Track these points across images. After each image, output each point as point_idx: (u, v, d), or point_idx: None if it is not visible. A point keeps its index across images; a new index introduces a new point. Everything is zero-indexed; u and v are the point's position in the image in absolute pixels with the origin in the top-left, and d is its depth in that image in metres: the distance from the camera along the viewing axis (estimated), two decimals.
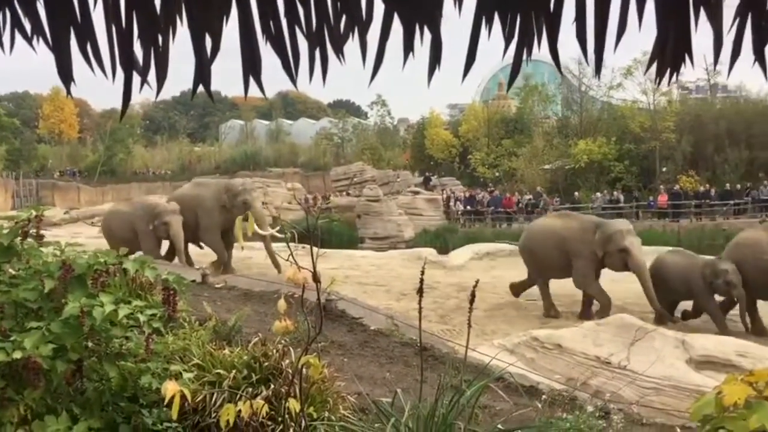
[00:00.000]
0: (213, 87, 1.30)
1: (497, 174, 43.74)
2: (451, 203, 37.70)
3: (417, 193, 38.15)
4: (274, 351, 3.62)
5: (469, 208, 37.33)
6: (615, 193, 36.74)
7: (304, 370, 2.81)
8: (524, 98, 47.62)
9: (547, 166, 42.08)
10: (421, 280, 2.88)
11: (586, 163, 39.87)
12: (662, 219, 33.70)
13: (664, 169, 39.57)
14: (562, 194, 38.40)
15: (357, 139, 59.68)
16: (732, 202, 34.11)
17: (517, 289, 17.23)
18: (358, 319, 6.36)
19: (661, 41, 1.16)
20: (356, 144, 58.67)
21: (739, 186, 34.77)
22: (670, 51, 1.16)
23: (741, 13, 1.17)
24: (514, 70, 1.24)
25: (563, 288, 18.59)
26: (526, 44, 1.16)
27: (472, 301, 3.01)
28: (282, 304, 2.44)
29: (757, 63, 1.18)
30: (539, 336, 10.71)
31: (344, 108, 76.11)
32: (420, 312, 3.03)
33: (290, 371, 3.26)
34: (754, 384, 2.67)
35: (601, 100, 46.58)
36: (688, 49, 1.18)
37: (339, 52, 1.22)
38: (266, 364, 3.55)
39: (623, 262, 15.15)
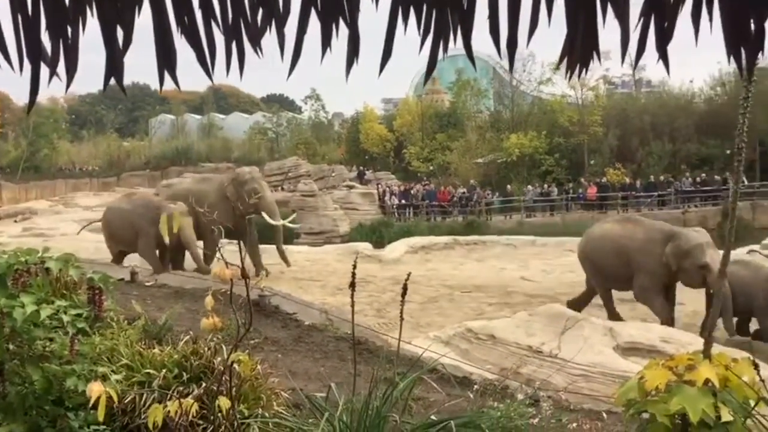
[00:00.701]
0: (141, 80, 1.27)
1: (431, 168, 44.15)
2: (386, 197, 37.85)
3: (352, 187, 38.20)
4: (206, 349, 3.57)
5: (404, 201, 37.55)
6: (546, 185, 37.62)
7: (235, 367, 2.78)
8: (457, 93, 48.16)
9: (480, 160, 42.72)
10: (353, 275, 2.88)
11: (518, 157, 40.67)
12: (591, 210, 34.66)
13: (592, 162, 40.73)
14: (495, 187, 39.07)
15: (291, 133, 59.23)
16: (656, 193, 35.41)
17: (576, 305, 14.04)
18: (292, 315, 6.32)
19: (571, 38, 1.20)
20: (291, 139, 58.24)
21: (662, 178, 36.10)
22: (579, 47, 1.20)
23: (645, 14, 1.22)
24: (430, 64, 1.25)
25: (495, 279, 18.94)
26: (441, 39, 1.18)
27: (404, 294, 3.04)
28: (209, 300, 2.40)
29: (661, 61, 1.24)
30: (473, 327, 10.86)
31: (278, 102, 75.24)
32: (353, 305, 3.04)
33: (222, 369, 3.22)
34: (674, 369, 2.78)
35: (532, 94, 47.55)
36: (596, 46, 1.22)
37: (256, 45, 1.21)
38: (197, 362, 3.50)
39: (702, 279, 13.14)
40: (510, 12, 1.16)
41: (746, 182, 35.47)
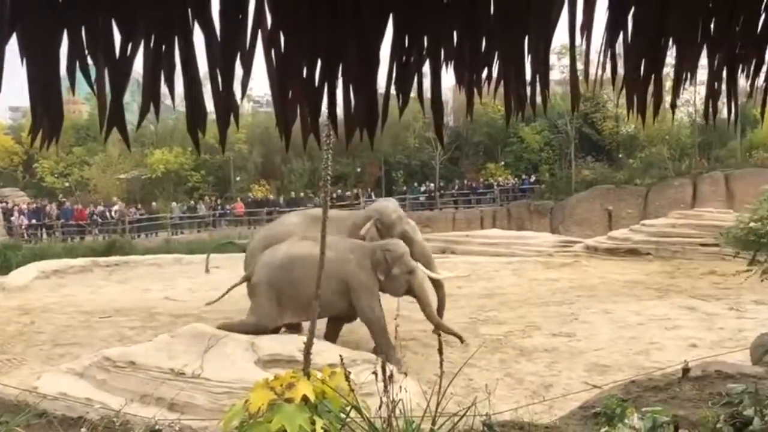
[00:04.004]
0: None
1: (68, 184, 40.86)
2: (14, 217, 33.93)
3: None
4: None
5: (35, 221, 34.07)
6: (193, 202, 37.40)
7: None
8: (95, 104, 45.39)
9: (123, 176, 40.81)
10: None
11: (163, 173, 39.82)
12: (239, 226, 35.37)
13: (238, 179, 41.61)
14: (139, 204, 37.67)
15: None
16: (299, 208, 37.59)
17: None
18: None
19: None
20: None
21: (302, 194, 38.51)
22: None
23: None
24: None
25: (139, 301, 18.14)
26: None
27: None
28: None
29: None
30: (111, 355, 10.27)
31: None
32: None
33: None
34: (277, 388, 2.94)
35: (178, 109, 46.96)
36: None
37: None
38: None
39: None
40: None
41: (374, 197, 39.54)
